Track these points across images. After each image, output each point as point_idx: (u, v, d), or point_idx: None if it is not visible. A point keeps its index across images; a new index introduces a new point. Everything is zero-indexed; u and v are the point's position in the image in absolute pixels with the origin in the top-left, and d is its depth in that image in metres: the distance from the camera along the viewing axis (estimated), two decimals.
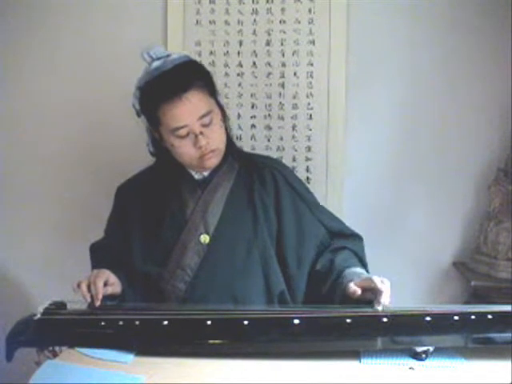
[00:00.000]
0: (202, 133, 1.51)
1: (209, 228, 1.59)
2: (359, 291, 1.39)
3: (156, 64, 1.54)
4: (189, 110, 1.49)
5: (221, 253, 1.58)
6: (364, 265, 1.62)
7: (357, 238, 1.69)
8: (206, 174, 1.62)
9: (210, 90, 1.57)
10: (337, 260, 1.56)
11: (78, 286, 1.46)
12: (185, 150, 1.53)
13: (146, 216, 1.63)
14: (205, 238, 1.58)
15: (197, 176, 1.63)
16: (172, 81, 1.50)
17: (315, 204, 1.70)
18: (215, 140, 1.54)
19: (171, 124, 1.50)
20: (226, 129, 1.61)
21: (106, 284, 1.47)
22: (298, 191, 1.67)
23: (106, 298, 1.47)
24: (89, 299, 1.44)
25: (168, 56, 1.56)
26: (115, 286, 1.51)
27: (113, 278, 1.51)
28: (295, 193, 1.66)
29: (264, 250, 1.59)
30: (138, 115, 1.59)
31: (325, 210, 1.72)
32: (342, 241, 1.64)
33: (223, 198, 1.62)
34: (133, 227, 1.63)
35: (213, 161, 1.57)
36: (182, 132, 1.51)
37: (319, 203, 1.73)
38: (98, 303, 1.43)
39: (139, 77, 1.57)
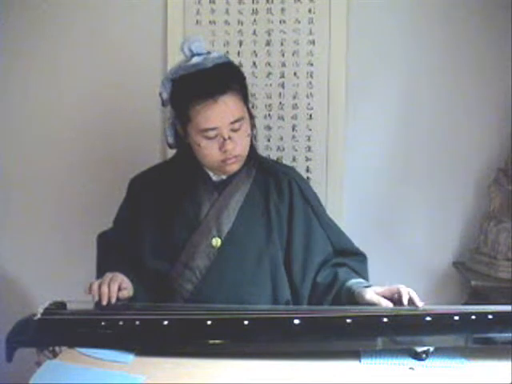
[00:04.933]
0: (230, 137, 1.49)
1: (222, 232, 1.58)
2: (381, 301, 1.41)
3: (195, 60, 1.51)
4: (222, 113, 1.48)
5: (231, 258, 1.57)
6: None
7: (361, 256, 1.68)
8: (224, 176, 1.61)
9: (245, 95, 1.56)
10: (340, 273, 1.57)
11: (90, 287, 1.44)
12: (209, 152, 1.52)
13: (159, 211, 1.61)
14: (216, 242, 1.57)
15: (215, 178, 1.61)
16: (210, 81, 1.48)
17: (327, 220, 1.69)
18: (241, 146, 1.53)
19: (202, 124, 1.49)
20: (252, 136, 1.60)
21: (119, 288, 1.45)
22: (311, 205, 1.65)
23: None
24: (97, 298, 1.43)
25: (208, 53, 1.54)
26: (129, 290, 1.49)
27: (126, 282, 1.49)
28: (309, 206, 1.65)
29: (274, 259, 1.59)
30: (164, 105, 1.58)
31: (335, 226, 1.70)
32: (343, 258, 1.64)
33: (239, 203, 1.60)
34: (144, 221, 1.61)
35: (234, 166, 1.55)
36: (211, 134, 1.49)
37: (331, 219, 1.71)
38: (104, 302, 1.41)
39: (173, 67, 1.56)
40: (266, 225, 1.60)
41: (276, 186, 1.64)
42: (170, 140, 1.61)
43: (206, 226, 1.58)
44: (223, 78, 1.49)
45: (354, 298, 1.48)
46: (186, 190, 1.62)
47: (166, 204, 1.62)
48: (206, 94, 1.47)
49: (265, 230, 1.60)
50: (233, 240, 1.57)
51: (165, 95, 1.55)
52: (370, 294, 1.43)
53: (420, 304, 1.37)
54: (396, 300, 1.41)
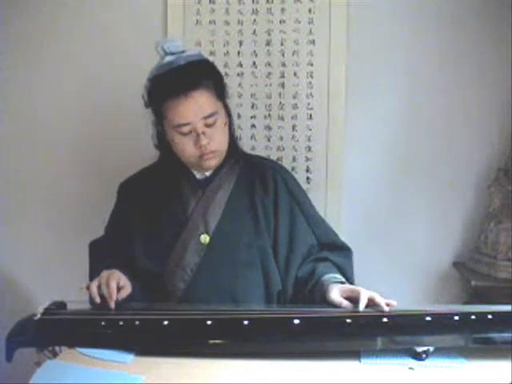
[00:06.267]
0: (204, 133, 1.51)
1: (209, 228, 1.59)
2: (344, 303, 1.39)
3: (168, 59, 1.54)
4: (194, 108, 1.50)
5: (221, 253, 1.58)
6: (346, 276, 1.59)
7: (346, 250, 1.67)
8: (207, 173, 1.63)
9: (219, 91, 1.57)
10: (318, 268, 1.57)
11: (88, 287, 1.44)
12: (185, 147, 1.54)
13: (148, 213, 1.63)
14: (205, 238, 1.58)
15: (199, 175, 1.63)
16: (181, 78, 1.50)
17: (311, 213, 1.69)
18: (216, 141, 1.54)
19: (174, 120, 1.51)
20: (231, 131, 1.61)
21: (117, 288, 1.44)
22: (296, 197, 1.66)
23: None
24: (98, 300, 1.42)
25: (182, 52, 1.56)
26: (127, 287, 1.48)
27: (124, 279, 1.48)
28: (293, 199, 1.66)
29: (264, 251, 1.59)
30: (146, 106, 1.59)
31: (320, 220, 1.71)
32: (326, 253, 1.63)
33: (224, 198, 1.62)
34: (135, 224, 1.63)
35: (211, 162, 1.57)
36: (185, 129, 1.51)
37: (317, 212, 1.72)
38: (112, 305, 1.41)
39: (151, 68, 1.57)
40: (252, 218, 1.61)
41: (261, 180, 1.65)
42: (155, 141, 1.64)
43: (194, 224, 1.59)
44: (194, 75, 1.51)
45: (324, 294, 1.46)
46: (172, 190, 1.64)
47: (154, 205, 1.63)
48: (177, 90, 1.49)
49: (252, 224, 1.61)
50: (221, 235, 1.59)
51: (145, 97, 1.58)
52: (334, 295, 1.42)
53: (386, 308, 1.33)
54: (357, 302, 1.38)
